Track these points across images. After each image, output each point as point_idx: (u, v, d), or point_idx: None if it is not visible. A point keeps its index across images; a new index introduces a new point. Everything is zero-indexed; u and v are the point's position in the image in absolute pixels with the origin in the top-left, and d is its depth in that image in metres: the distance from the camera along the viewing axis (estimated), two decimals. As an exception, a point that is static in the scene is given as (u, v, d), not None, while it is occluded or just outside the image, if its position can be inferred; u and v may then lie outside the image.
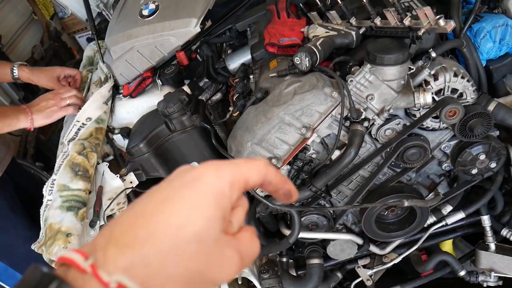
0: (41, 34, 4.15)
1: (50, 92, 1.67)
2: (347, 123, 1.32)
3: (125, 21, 1.65)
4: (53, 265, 1.34)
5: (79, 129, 1.53)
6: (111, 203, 1.43)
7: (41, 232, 1.43)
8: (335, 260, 1.67)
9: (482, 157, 1.37)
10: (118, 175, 1.50)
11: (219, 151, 1.42)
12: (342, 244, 1.57)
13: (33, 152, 3.10)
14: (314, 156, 1.40)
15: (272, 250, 1.48)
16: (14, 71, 1.79)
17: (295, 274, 1.69)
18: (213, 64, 1.79)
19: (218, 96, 1.86)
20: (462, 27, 1.39)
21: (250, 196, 1.62)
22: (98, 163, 1.55)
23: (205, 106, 1.64)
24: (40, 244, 1.38)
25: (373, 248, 1.62)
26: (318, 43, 1.32)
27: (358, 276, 1.73)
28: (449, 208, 1.56)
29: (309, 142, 1.33)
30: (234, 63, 1.73)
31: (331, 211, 1.51)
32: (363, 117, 1.30)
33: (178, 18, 1.53)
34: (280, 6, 1.64)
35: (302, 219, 1.46)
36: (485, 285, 1.66)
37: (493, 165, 1.40)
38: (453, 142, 1.41)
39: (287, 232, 1.52)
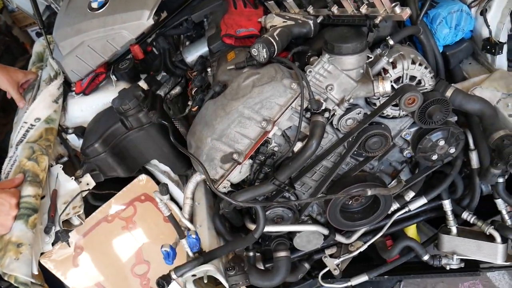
0: (-9, 29, 3.92)
1: None
2: (308, 115, 1.30)
3: (74, 14, 1.56)
4: (6, 278, 1.27)
5: (27, 131, 1.45)
6: (66, 207, 1.36)
7: None
8: (302, 251, 1.67)
9: (442, 143, 1.38)
10: (73, 177, 1.44)
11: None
12: (309, 235, 1.56)
13: (-14, 153, 2.94)
14: (276, 149, 1.37)
15: (238, 246, 1.45)
16: None
17: (262, 268, 1.68)
18: (170, 57, 1.73)
19: (177, 90, 1.80)
20: (419, 13, 1.39)
21: (213, 192, 1.59)
22: (51, 166, 1.47)
23: (163, 101, 1.58)
24: None
25: (339, 238, 1.62)
26: (275, 34, 1.29)
27: (326, 266, 1.73)
28: (411, 194, 1.57)
29: (270, 135, 1.30)
30: (191, 56, 1.68)
31: (296, 204, 1.49)
32: (323, 108, 1.28)
33: (130, 10, 1.46)
34: (236, -5, 1.59)
35: (267, 212, 1.44)
36: (448, 267, 1.70)
37: (452, 150, 1.41)
38: (413, 129, 1.41)
39: (252, 226, 1.49)
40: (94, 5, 1.53)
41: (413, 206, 1.61)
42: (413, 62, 1.29)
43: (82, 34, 1.48)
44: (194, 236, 1.29)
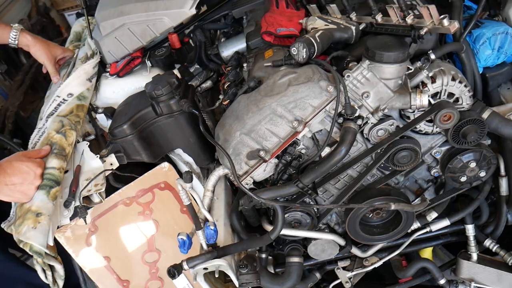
0: (29, 8, 4.01)
1: (24, 160, 1.33)
2: (340, 120, 1.28)
3: (118, -3, 1.58)
4: (21, 246, 1.28)
5: (59, 105, 1.46)
6: (88, 183, 1.36)
7: (11, 211, 1.36)
8: (315, 260, 1.63)
9: (473, 165, 1.35)
10: (98, 155, 1.44)
11: (204, 138, 1.37)
12: (324, 244, 1.54)
13: (11, 128, 2.98)
14: (303, 151, 1.35)
15: (253, 245, 1.43)
16: (14, 34, 1.62)
17: (273, 272, 1.65)
18: (206, 50, 1.74)
19: (208, 83, 1.81)
20: (462, 31, 1.36)
21: (234, 188, 1.58)
22: (78, 142, 1.48)
23: (195, 92, 1.58)
24: (9, 224, 1.32)
25: (355, 250, 1.59)
26: (317, 35, 1.28)
27: (337, 278, 1.70)
28: (434, 214, 1.54)
29: (299, 136, 1.29)
30: (227, 51, 1.68)
31: (315, 210, 1.47)
32: (357, 114, 1.26)
33: (173, -2, 1.47)
34: (279, -5, 1.59)
35: (286, 215, 1.42)
36: (463, 295, 1.65)
37: (482, 174, 1.38)
38: (444, 148, 1.38)
39: (268, 227, 1.47)
40: (140, -11, 1.54)
41: (435, 227, 1.57)
42: (453, 79, 1.27)
43: (124, 16, 1.50)
44: (212, 227, 1.27)
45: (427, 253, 1.84)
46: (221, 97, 1.54)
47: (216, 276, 1.40)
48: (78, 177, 1.38)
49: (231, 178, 1.40)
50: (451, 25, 1.13)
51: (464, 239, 1.60)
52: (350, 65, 1.28)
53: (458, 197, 1.60)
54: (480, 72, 1.45)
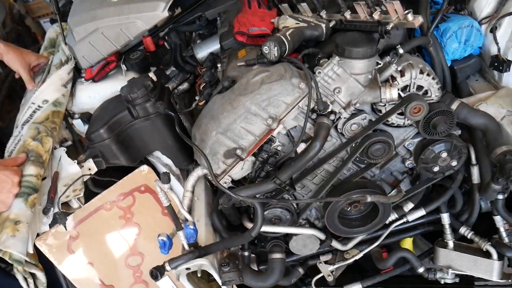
0: (3, 16, 3.95)
1: (0, 169, 1.31)
2: (314, 116, 1.31)
3: (90, 1, 1.58)
4: (0, 254, 1.27)
5: (34, 112, 1.45)
6: (67, 189, 1.36)
7: None
8: (297, 255, 1.66)
9: (444, 155, 1.39)
10: (76, 161, 1.44)
11: (182, 140, 1.38)
12: (305, 239, 1.56)
13: (-11, 138, 2.94)
14: (279, 148, 1.38)
15: (234, 243, 1.45)
16: None
17: (257, 269, 1.67)
18: (181, 52, 1.75)
19: (185, 86, 1.82)
20: (430, 26, 1.40)
21: (215, 188, 1.59)
22: (55, 148, 1.48)
23: (171, 94, 1.59)
24: None
25: (335, 244, 1.62)
26: (287, 33, 1.31)
27: (320, 272, 1.72)
28: (410, 205, 1.57)
29: (274, 133, 1.31)
30: (202, 52, 1.70)
31: (295, 206, 1.49)
32: (329, 110, 1.29)
33: (146, 1, 1.48)
34: (251, -4, 1.61)
35: (266, 212, 1.44)
36: (442, 281, 1.69)
37: (454, 163, 1.42)
38: (416, 140, 1.42)
39: (249, 225, 1.49)
40: (111, -7, 1.55)
41: (411, 217, 1.60)
42: (421, 72, 1.31)
43: (97, 21, 1.50)
44: (192, 226, 1.29)
45: (407, 243, 1.88)
46: (197, 98, 1.55)
47: (199, 275, 1.41)
48: (56, 184, 1.38)
49: (209, 177, 1.42)
50: (415, 20, 1.17)
51: (441, 228, 1.64)
52: (321, 61, 1.31)
53: (433, 188, 1.64)
54: (449, 65, 1.49)
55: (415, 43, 1.37)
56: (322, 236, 1.57)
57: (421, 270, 1.67)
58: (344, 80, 1.26)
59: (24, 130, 1.45)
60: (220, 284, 1.36)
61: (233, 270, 1.36)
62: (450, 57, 1.50)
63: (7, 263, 1.28)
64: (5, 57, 1.64)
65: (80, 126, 1.62)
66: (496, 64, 1.48)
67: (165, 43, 1.77)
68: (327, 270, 1.70)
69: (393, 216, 1.60)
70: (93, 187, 1.54)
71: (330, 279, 1.71)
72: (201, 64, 1.70)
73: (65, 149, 1.48)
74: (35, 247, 1.40)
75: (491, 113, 1.40)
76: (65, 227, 1.39)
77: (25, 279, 1.35)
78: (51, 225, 1.37)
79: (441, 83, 1.43)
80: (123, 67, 1.59)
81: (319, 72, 1.26)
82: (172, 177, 1.58)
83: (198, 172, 1.46)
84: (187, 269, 1.33)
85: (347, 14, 1.34)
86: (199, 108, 1.49)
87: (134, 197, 1.60)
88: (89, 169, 1.45)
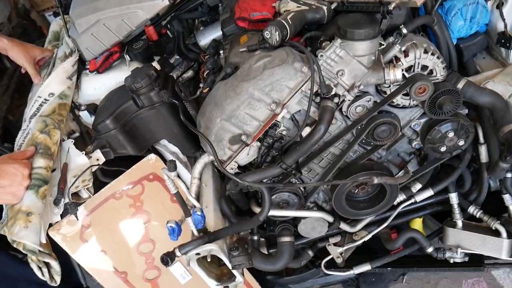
0: (9, 11, 3.97)
1: (10, 162, 1.34)
2: (318, 99, 1.30)
3: (91, -7, 1.58)
4: (15, 245, 1.31)
5: (41, 105, 1.47)
6: (76, 180, 1.39)
7: (3, 213, 1.39)
8: (306, 238, 1.67)
9: (451, 134, 1.38)
10: (84, 152, 1.46)
11: (188, 127, 1.39)
12: (313, 222, 1.57)
13: (1, 133, 2.98)
14: (284, 132, 1.38)
15: (242, 228, 1.47)
16: None
17: (266, 253, 1.69)
18: (184, 40, 1.75)
19: (189, 73, 1.81)
20: (434, 4, 1.38)
21: (222, 174, 1.60)
22: (63, 140, 1.50)
23: (175, 82, 1.60)
24: (2, 226, 1.34)
25: (344, 226, 1.63)
26: (288, 17, 1.29)
27: (329, 254, 1.74)
28: (418, 186, 1.57)
29: (279, 118, 1.31)
30: (205, 39, 1.69)
31: (302, 189, 1.50)
32: (333, 93, 1.28)
33: (146, -10, 1.48)
34: (252, -20, 1.59)
35: (273, 197, 1.45)
36: (451, 261, 1.69)
37: (461, 142, 1.41)
38: (423, 120, 1.41)
39: (257, 210, 1.50)
40: (112, -16, 1.54)
41: (419, 198, 1.60)
42: (426, 52, 1.29)
43: (98, 12, 1.50)
44: (199, 213, 1.30)
45: (417, 224, 1.88)
46: (201, 85, 1.55)
47: (209, 260, 1.43)
48: (65, 175, 1.41)
49: (216, 164, 1.43)
50: (417, -2, 1.15)
51: (449, 208, 1.63)
52: (323, 44, 1.30)
53: (441, 168, 1.63)
54: (454, 44, 1.47)
55: (419, 22, 1.35)
56: (330, 218, 1.58)
57: (430, 249, 1.68)
58: (347, 62, 1.25)
59: (32, 123, 1.47)
60: (230, 268, 1.38)
61: (243, 254, 1.38)
62: (455, 35, 1.47)
63: (22, 253, 1.31)
64: (10, 52, 1.66)
65: (87, 118, 1.63)
66: (503, 41, 1.45)
67: (168, 32, 1.76)
68: (336, 252, 1.72)
69: (401, 197, 1.60)
70: (102, 177, 1.56)
71: (339, 260, 1.73)
72: (204, 51, 1.69)
73: (73, 140, 1.50)
74: (49, 237, 1.43)
75: (498, 91, 1.38)
76: (76, 216, 1.42)
77: (40, 268, 1.38)
78: (62, 216, 1.40)
79: (447, 62, 1.41)
80: (127, 57, 1.60)
81: (322, 55, 1.25)
82: (179, 164, 1.60)
83: (204, 159, 1.47)
84: (197, 254, 1.35)
85: (349, -5, 1.32)
86: (204, 96, 1.49)
87: (143, 186, 1.62)
88: (97, 159, 1.48)
